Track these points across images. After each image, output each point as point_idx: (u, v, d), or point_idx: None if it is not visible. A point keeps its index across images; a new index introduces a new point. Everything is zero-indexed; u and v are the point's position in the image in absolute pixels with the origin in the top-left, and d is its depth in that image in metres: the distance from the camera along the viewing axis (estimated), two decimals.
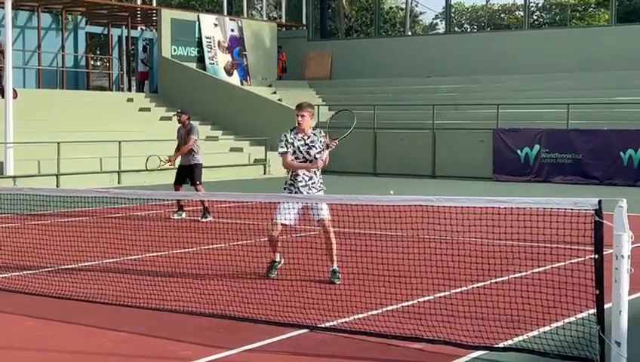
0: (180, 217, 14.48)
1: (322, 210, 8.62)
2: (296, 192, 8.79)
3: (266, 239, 9.01)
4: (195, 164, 14.62)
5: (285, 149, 8.80)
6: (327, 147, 8.82)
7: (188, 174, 14.67)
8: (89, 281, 8.63)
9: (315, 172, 8.84)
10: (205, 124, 27.31)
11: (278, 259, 9.04)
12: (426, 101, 27.66)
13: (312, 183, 8.83)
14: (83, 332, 6.75)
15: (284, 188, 8.93)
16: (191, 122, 14.96)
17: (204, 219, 14.04)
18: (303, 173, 8.78)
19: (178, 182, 14.71)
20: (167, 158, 14.95)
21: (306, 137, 8.83)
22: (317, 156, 8.78)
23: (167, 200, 15.71)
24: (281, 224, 8.73)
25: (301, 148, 8.81)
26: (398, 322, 6.67)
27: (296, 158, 8.81)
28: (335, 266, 8.69)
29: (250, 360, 5.98)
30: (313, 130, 8.93)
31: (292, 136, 8.82)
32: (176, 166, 14.98)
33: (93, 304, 7.71)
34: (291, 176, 8.82)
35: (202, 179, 14.81)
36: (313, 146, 8.81)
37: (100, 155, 22.29)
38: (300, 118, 8.79)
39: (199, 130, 15.21)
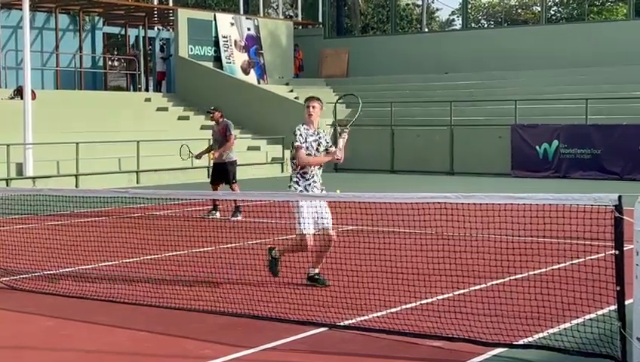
0: (213, 217, 14.20)
1: (329, 216, 8.31)
2: (306, 188, 8.37)
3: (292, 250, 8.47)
4: (229, 162, 14.48)
5: (299, 143, 8.36)
6: (337, 143, 8.50)
7: (222, 172, 14.53)
8: (109, 281, 8.67)
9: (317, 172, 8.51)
10: None
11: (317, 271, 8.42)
12: (444, 97, 27.56)
13: (320, 181, 8.56)
14: (102, 331, 6.78)
15: (294, 187, 8.41)
16: (225, 119, 14.94)
17: (233, 218, 13.80)
18: (316, 169, 8.48)
19: (215, 182, 14.63)
20: (193, 153, 14.91)
21: (315, 132, 8.49)
22: (329, 150, 8.52)
23: (185, 199, 15.76)
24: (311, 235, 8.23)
25: (313, 143, 8.47)
26: (417, 320, 6.65)
27: (307, 154, 8.43)
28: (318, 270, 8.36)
29: (270, 359, 5.98)
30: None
31: (305, 131, 8.45)
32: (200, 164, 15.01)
33: (113, 303, 7.75)
34: (299, 172, 8.45)
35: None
36: (321, 142, 8.53)
37: (118, 155, 22.37)
38: (310, 109, 8.43)
39: (233, 125, 14.90)
